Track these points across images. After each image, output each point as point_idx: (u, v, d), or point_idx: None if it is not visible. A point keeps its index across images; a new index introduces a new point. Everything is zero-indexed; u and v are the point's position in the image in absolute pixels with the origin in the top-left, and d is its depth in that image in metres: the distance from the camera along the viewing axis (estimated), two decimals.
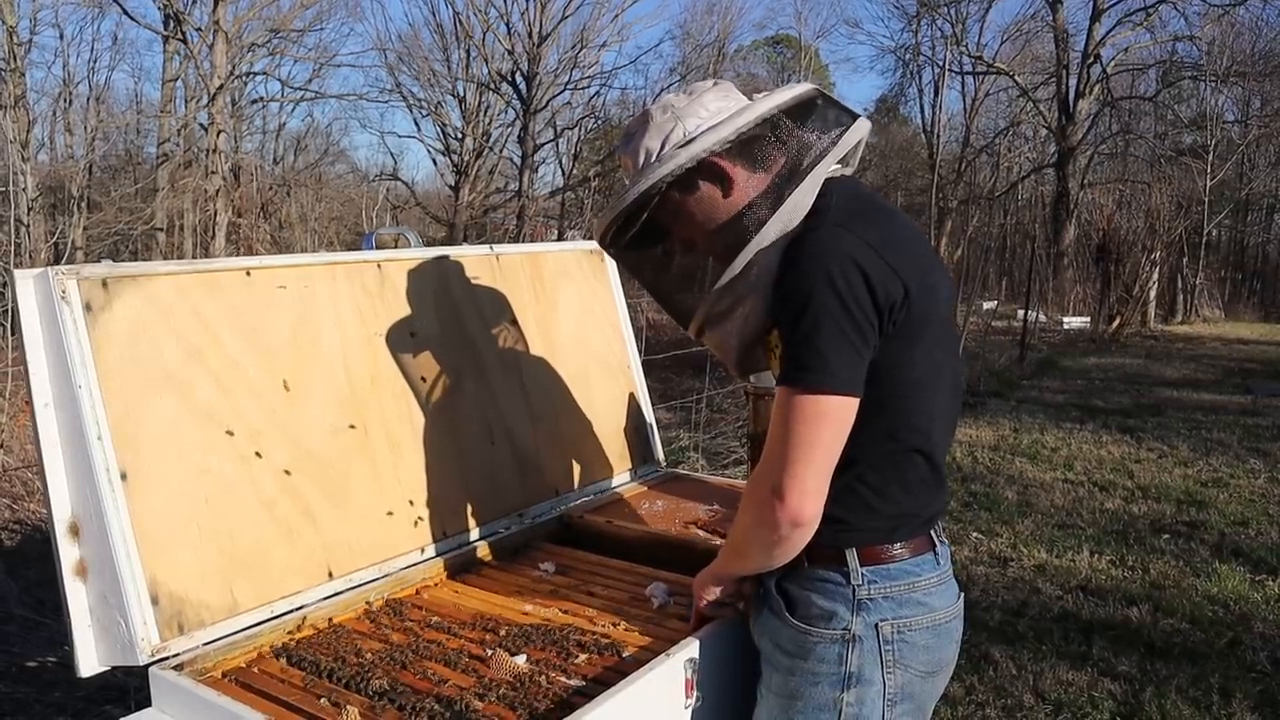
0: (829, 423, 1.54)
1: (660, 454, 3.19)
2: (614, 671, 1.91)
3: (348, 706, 1.74)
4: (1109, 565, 5.31)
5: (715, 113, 1.66)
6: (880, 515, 1.69)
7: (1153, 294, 17.78)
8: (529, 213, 25.30)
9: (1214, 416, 9.52)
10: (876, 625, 1.67)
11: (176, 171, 21.60)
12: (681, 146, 1.64)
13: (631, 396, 3.13)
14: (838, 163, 1.71)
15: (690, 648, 1.91)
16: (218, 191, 19.31)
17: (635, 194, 1.67)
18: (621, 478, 3.02)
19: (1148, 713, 3.75)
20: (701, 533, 2.61)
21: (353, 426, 2.30)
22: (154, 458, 1.92)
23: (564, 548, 2.62)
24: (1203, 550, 5.57)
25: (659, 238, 1.79)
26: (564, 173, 28.66)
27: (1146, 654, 4.25)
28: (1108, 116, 26.59)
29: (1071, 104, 25.39)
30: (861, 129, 1.71)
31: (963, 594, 1.82)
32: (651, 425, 3.17)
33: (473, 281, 2.67)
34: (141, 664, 1.83)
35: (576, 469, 2.88)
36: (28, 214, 15.29)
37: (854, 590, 1.68)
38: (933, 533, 1.75)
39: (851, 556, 1.69)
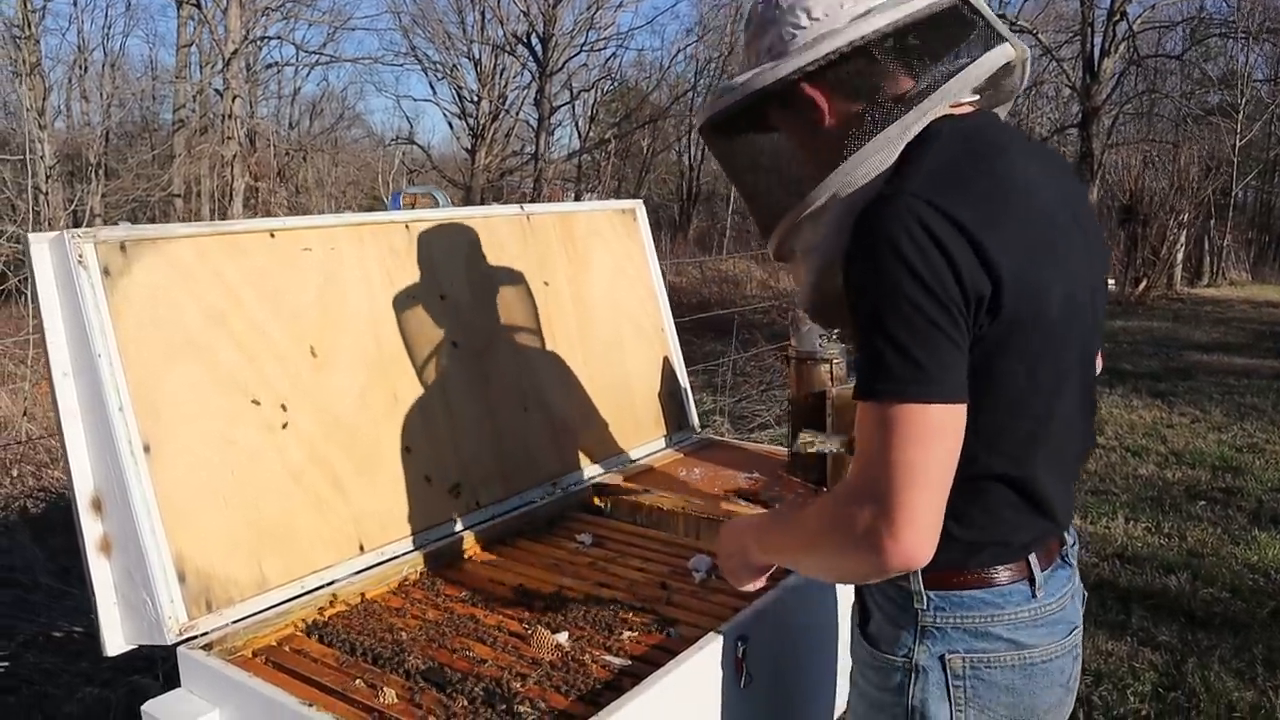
0: (940, 439, 1.25)
1: (695, 419, 3.10)
2: (661, 650, 1.83)
3: (385, 688, 1.66)
4: (1145, 532, 5.20)
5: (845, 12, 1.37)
6: (954, 538, 1.38)
7: (1179, 256, 17.50)
8: (546, 176, 25.12)
9: (1246, 381, 9.35)
10: (943, 658, 1.43)
11: (193, 138, 21.51)
12: (784, 56, 1.39)
13: (666, 360, 3.03)
14: (977, 92, 1.41)
15: (741, 625, 1.83)
16: (234, 157, 19.23)
17: (729, 100, 1.46)
18: (657, 444, 2.93)
19: (1190, 684, 3.66)
20: (743, 503, 2.52)
21: (383, 394, 2.21)
22: (177, 428, 1.84)
23: (600, 518, 2.54)
24: (1240, 517, 5.45)
25: (755, 141, 1.59)
26: (580, 135, 28.42)
27: (1187, 623, 4.15)
28: (1133, 75, 26.13)
29: (1096, 62, 24.94)
30: (996, 59, 1.39)
31: (1079, 629, 1.54)
32: (686, 390, 3.08)
33: (503, 242, 2.57)
34: (169, 644, 1.76)
35: (611, 436, 2.79)
36: (46, 181, 15.26)
37: (918, 615, 1.45)
38: (1032, 562, 1.46)
39: (915, 579, 1.44)
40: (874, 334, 1.26)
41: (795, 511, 1.54)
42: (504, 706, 1.62)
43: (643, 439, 2.89)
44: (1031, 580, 1.45)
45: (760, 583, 1.71)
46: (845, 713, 1.69)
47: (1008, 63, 1.40)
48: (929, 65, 1.37)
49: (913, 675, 1.45)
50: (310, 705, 1.57)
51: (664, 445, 2.95)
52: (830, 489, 2.54)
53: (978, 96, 1.42)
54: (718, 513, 2.44)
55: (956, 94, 1.37)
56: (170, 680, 3.52)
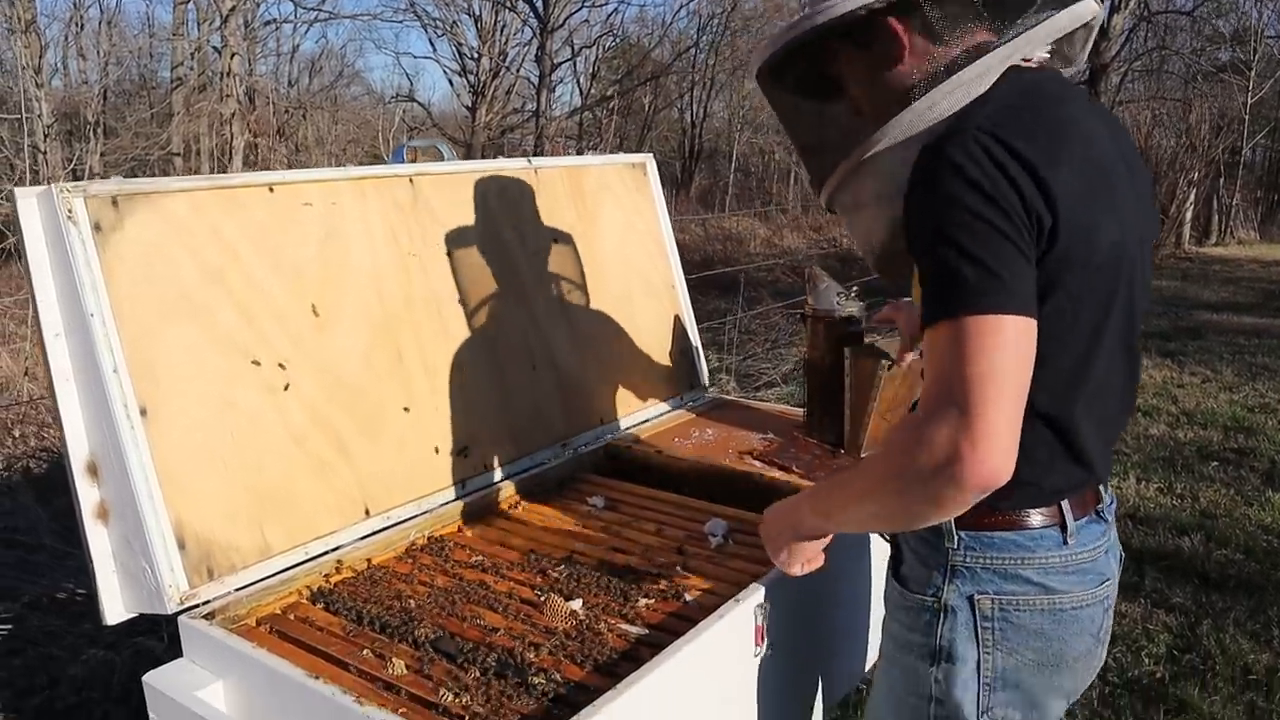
0: (1017, 351, 1.20)
1: (706, 378, 3.03)
2: (678, 618, 1.77)
3: (393, 659, 1.60)
4: (1157, 493, 5.14)
5: None
6: None
7: (1188, 215, 17.33)
8: (547, 133, 24.87)
9: (1257, 340, 9.26)
10: (972, 598, 1.43)
11: (191, 96, 21.25)
12: None
13: (676, 318, 2.95)
14: (1048, 52, 1.41)
15: (759, 593, 1.76)
16: (233, 115, 19.00)
17: (788, 37, 1.43)
18: (668, 404, 2.86)
19: (1205, 646, 3.61)
20: (758, 464, 2.46)
21: (387, 353, 2.13)
22: (175, 391, 1.77)
23: (612, 480, 2.47)
24: (1253, 478, 5.39)
25: (812, 84, 1.53)
26: (582, 92, 28.10)
27: (1201, 585, 4.10)
28: (1143, 31, 25.77)
29: (1105, 19, 24.63)
30: (1081, 13, 1.38)
31: (1112, 581, 1.51)
32: (697, 348, 3.01)
33: (511, 196, 2.49)
34: (170, 613, 1.70)
35: (621, 395, 2.72)
36: (44, 140, 15.08)
37: (948, 554, 1.45)
38: (1065, 509, 1.43)
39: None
40: (942, 252, 1.23)
41: (850, 469, 1.47)
42: (518, 678, 1.57)
43: (653, 398, 2.82)
44: (1063, 527, 1.44)
45: (817, 563, 1.63)
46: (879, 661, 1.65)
47: (1082, 25, 1.40)
48: (1014, 12, 1.37)
49: (941, 615, 1.45)
50: (316, 677, 1.51)
51: (675, 405, 2.88)
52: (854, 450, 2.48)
53: (1047, 55, 1.42)
54: (733, 474, 2.38)
55: (1041, 42, 1.36)
56: (175, 643, 3.50)
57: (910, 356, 2.12)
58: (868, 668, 2.34)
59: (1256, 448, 5.91)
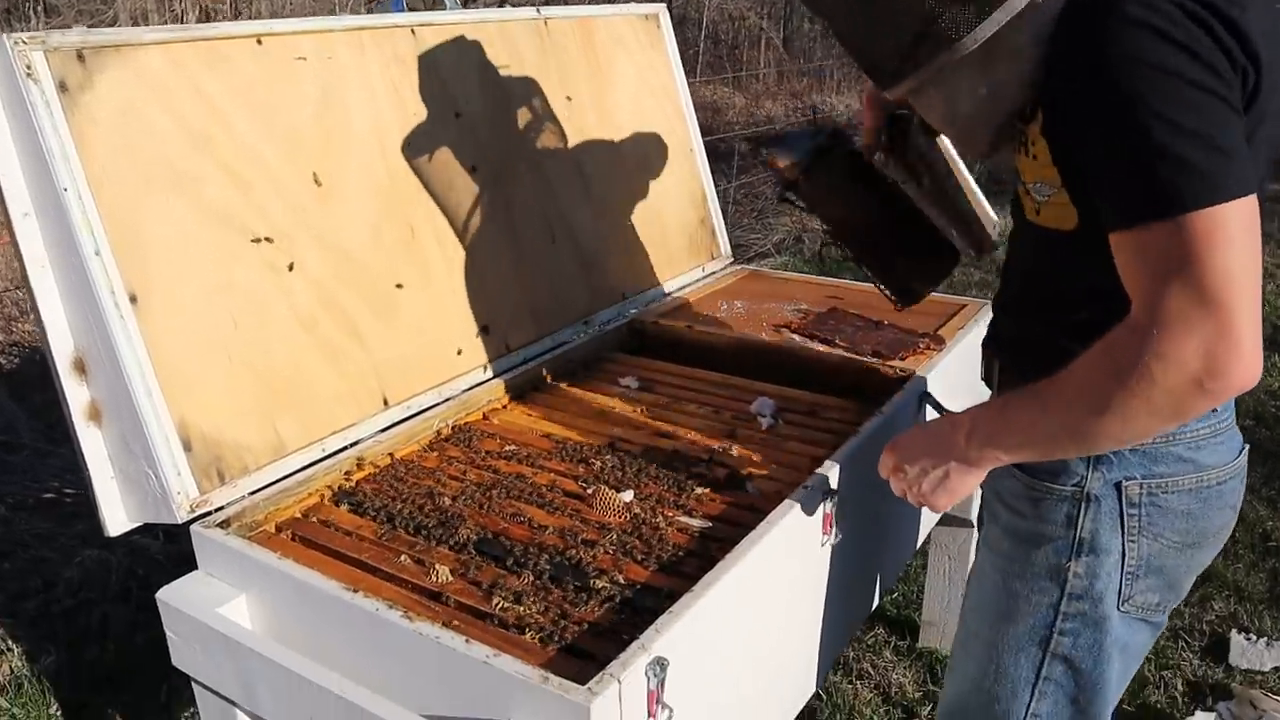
0: (1253, 240, 1.02)
1: (727, 247, 2.83)
2: (741, 508, 1.62)
3: (436, 565, 1.44)
4: None
5: None
6: None
7: None
8: None
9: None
10: (1119, 485, 1.29)
11: None
12: None
13: (696, 183, 2.74)
14: None
15: (826, 478, 1.61)
16: None
17: None
18: (692, 275, 2.67)
19: None
20: (797, 337, 2.28)
21: (397, 226, 1.92)
22: (167, 273, 1.56)
23: (641, 358, 2.29)
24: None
25: None
26: None
27: None
28: None
29: None
30: None
31: (1246, 448, 1.38)
32: (717, 216, 2.80)
33: (521, 51, 2.24)
34: (180, 522, 1.52)
35: (643, 268, 2.52)
36: None
37: None
38: None
39: None
40: (1156, 134, 1.00)
41: (1040, 386, 1.18)
42: (577, 582, 1.41)
43: (675, 270, 2.62)
44: None
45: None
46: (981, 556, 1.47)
47: None
48: None
49: (1083, 505, 1.31)
50: (355, 590, 1.35)
51: (700, 276, 2.69)
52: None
53: None
54: (775, 350, 2.20)
55: None
56: (172, 538, 3.35)
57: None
58: (912, 554, 2.23)
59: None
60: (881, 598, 2.05)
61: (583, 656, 1.27)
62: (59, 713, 2.72)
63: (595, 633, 1.32)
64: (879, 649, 2.88)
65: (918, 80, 1.20)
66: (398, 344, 1.89)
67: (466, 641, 1.23)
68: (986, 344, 1.50)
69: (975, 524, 2.66)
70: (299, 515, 1.62)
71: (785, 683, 1.66)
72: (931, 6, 1.13)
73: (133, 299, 1.49)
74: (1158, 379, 1.03)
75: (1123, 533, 1.30)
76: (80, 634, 3.01)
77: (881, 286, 1.89)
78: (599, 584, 1.40)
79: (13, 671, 2.88)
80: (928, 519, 2.22)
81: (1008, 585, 1.39)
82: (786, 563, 1.53)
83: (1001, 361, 1.45)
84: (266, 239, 1.70)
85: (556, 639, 1.30)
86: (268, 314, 1.68)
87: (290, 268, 1.72)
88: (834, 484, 1.61)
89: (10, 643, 2.98)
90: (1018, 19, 1.10)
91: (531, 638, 1.30)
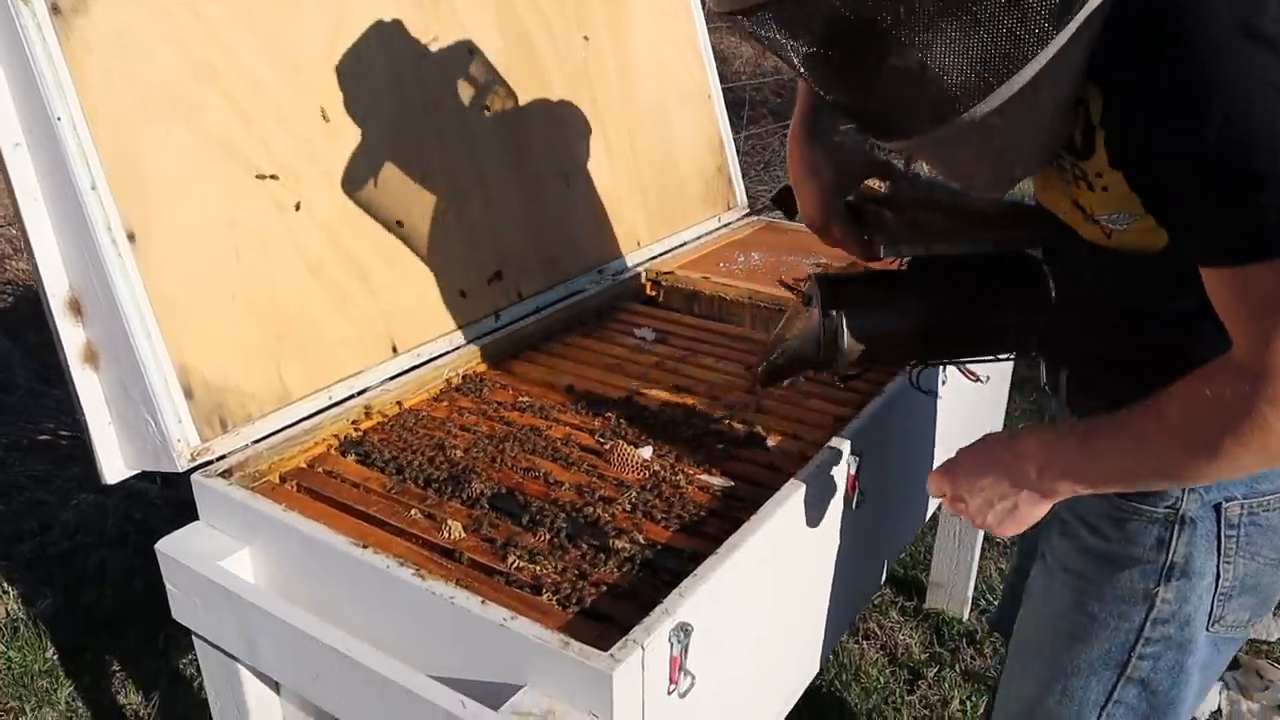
0: None
1: (744, 197, 2.75)
2: (762, 466, 1.55)
3: (449, 521, 1.38)
4: None
5: None
6: None
7: None
8: None
9: None
10: (1219, 506, 1.17)
11: None
12: None
13: (714, 130, 2.65)
14: None
15: (854, 438, 1.55)
16: None
17: None
18: (707, 225, 2.59)
19: None
20: None
21: (408, 166, 1.84)
22: (167, 210, 1.48)
23: (656, 309, 2.23)
24: None
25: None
26: None
27: None
28: None
29: None
30: None
31: None
32: (734, 164, 2.71)
33: None
34: (180, 471, 1.46)
35: (658, 216, 2.44)
36: None
37: None
38: None
39: None
40: (1243, 152, 0.87)
41: (1128, 419, 1.06)
42: (595, 541, 1.35)
43: (691, 220, 2.54)
44: None
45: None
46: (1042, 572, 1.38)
47: None
48: None
49: (1176, 528, 1.19)
50: (364, 546, 1.29)
51: (716, 227, 2.61)
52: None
53: None
54: (790, 303, 2.13)
55: None
56: (170, 483, 3.30)
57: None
58: (928, 516, 2.17)
59: None
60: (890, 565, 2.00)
61: (602, 620, 1.22)
62: (55, 656, 2.69)
63: (614, 595, 1.26)
64: (885, 609, 2.85)
65: (973, 117, 0.94)
66: (407, 290, 1.82)
67: (482, 603, 1.17)
68: (1044, 351, 1.38)
69: None
70: (304, 465, 1.56)
71: (799, 652, 1.62)
72: (1005, 18, 0.89)
73: (131, 236, 1.42)
74: (1275, 426, 0.93)
75: (1219, 554, 1.19)
76: (77, 578, 2.96)
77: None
78: (618, 544, 1.34)
79: (9, 614, 2.84)
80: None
81: (1083, 606, 1.28)
82: (811, 524, 1.47)
83: (1068, 371, 1.32)
84: (272, 176, 1.62)
85: (574, 601, 1.24)
86: (273, 255, 1.61)
87: (297, 207, 1.64)
88: (860, 445, 1.55)
89: (6, 585, 2.94)
90: (1077, 33, 0.91)
91: (548, 599, 1.25)
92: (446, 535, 1.36)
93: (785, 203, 1.53)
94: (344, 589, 1.31)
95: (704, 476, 1.52)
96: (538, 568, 1.30)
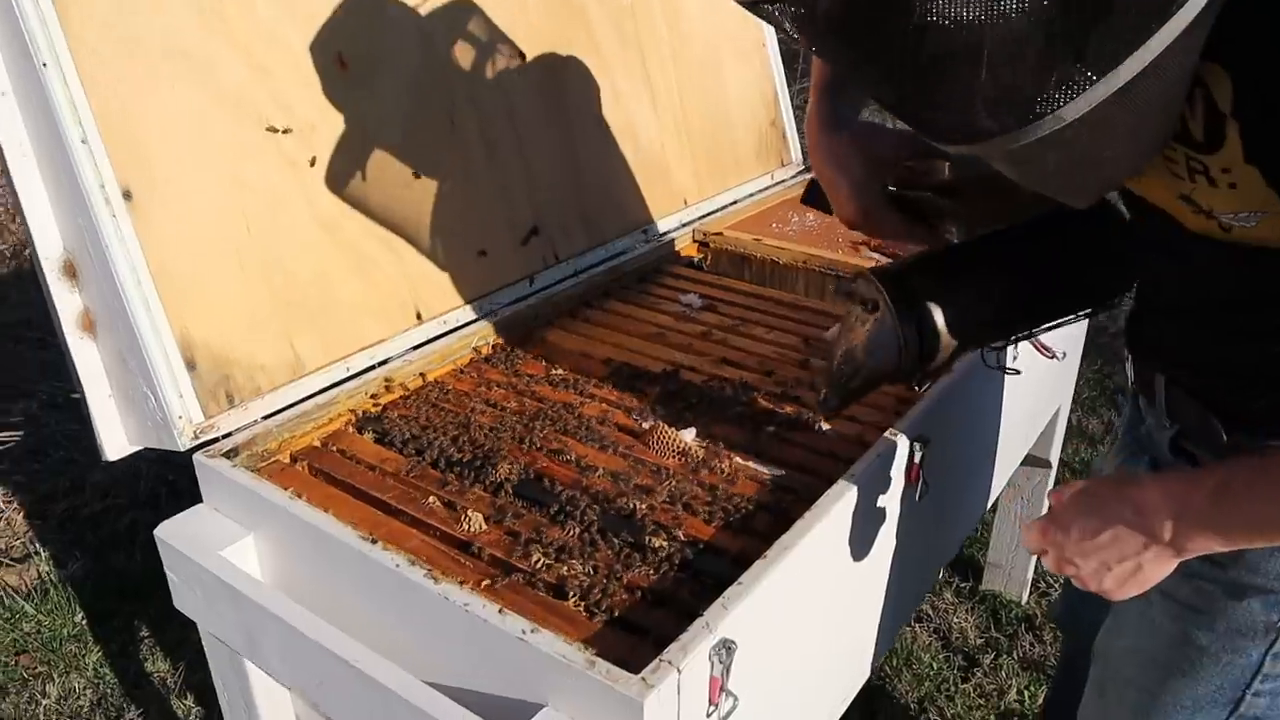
0: None
1: (799, 153, 2.58)
2: (819, 454, 1.41)
3: (469, 511, 1.26)
4: None
5: None
6: None
7: None
8: None
9: None
10: None
11: None
12: None
13: (768, 83, 2.47)
14: None
15: (919, 423, 1.40)
16: None
17: None
18: (759, 183, 2.42)
19: None
20: (876, 255, 2.05)
21: (435, 117, 1.70)
22: (167, 167, 1.35)
23: (703, 273, 2.08)
24: None
25: None
26: None
27: None
28: None
29: None
30: None
31: None
32: (789, 116, 2.54)
33: None
34: (182, 450, 1.35)
35: (708, 173, 2.28)
36: None
37: None
38: None
39: None
40: None
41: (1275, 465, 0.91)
42: (629, 538, 1.22)
43: (743, 176, 2.38)
44: None
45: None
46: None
47: None
48: None
49: None
50: (374, 540, 1.17)
51: (768, 184, 2.44)
52: None
53: None
54: (848, 268, 1.97)
55: None
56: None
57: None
58: (988, 505, 2.02)
59: None
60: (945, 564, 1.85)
61: (634, 631, 1.09)
62: (84, 621, 2.63)
63: (650, 601, 1.13)
64: (939, 590, 2.70)
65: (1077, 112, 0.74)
66: (434, 252, 1.69)
67: (500, 611, 1.05)
68: (1138, 351, 1.21)
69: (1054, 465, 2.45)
70: (317, 444, 1.44)
71: (851, 659, 1.49)
72: None
73: (126, 195, 1.30)
74: None
75: None
76: (107, 540, 2.90)
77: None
78: (655, 542, 1.20)
79: (40, 576, 2.79)
80: (1004, 470, 2.00)
81: (1190, 638, 1.12)
82: (867, 524, 1.33)
83: (1170, 377, 1.15)
84: (285, 130, 1.48)
85: (604, 608, 1.11)
86: (285, 215, 1.48)
87: (312, 163, 1.51)
88: (925, 430, 1.40)
89: (38, 545, 2.89)
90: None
91: (575, 604, 1.12)
92: (466, 527, 1.24)
93: (817, 200, 1.36)
94: (352, 586, 1.19)
95: (753, 464, 1.38)
96: (564, 567, 1.17)
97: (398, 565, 1.12)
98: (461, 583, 1.11)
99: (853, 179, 1.23)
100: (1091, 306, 1.29)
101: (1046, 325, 1.34)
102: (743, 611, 1.05)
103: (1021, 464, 2.30)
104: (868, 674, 1.55)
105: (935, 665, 2.44)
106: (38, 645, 2.56)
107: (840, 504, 1.22)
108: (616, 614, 1.11)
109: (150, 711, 2.38)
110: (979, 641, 2.52)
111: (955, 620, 2.58)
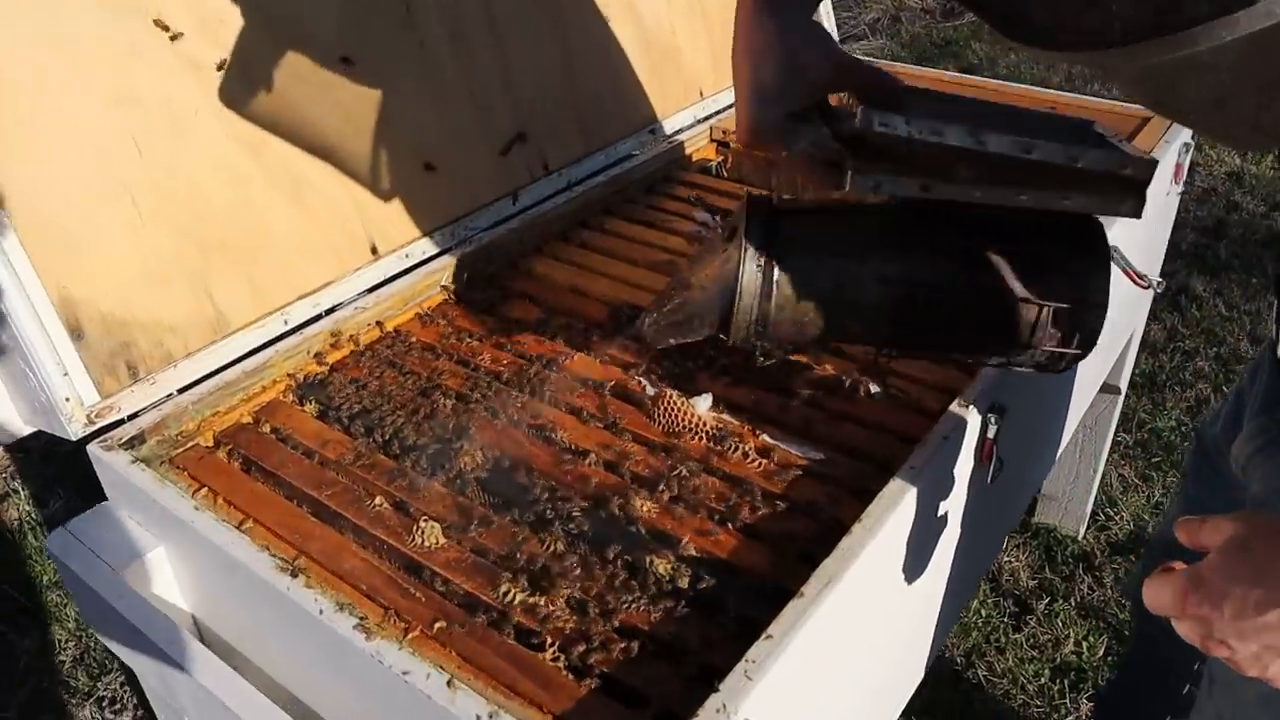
0: None
1: (833, 35, 2.22)
2: (868, 427, 1.12)
3: (423, 520, 0.99)
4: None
5: None
6: None
7: None
8: None
9: None
10: None
11: None
12: None
13: None
14: None
15: (985, 388, 1.11)
16: None
17: None
18: None
19: None
20: None
21: (384, 7, 1.37)
22: (25, 82, 1.05)
23: (723, 181, 1.76)
24: None
25: None
26: None
27: None
28: None
29: None
30: None
31: None
32: None
33: None
34: (74, 439, 1.09)
35: (726, 59, 1.93)
36: None
37: None
38: None
39: None
40: None
41: None
42: (627, 555, 0.95)
43: None
44: None
45: None
46: None
47: None
48: None
49: None
50: (294, 575, 0.90)
51: None
52: None
53: None
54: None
55: None
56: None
57: None
58: (1048, 477, 1.74)
59: None
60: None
61: (628, 700, 0.82)
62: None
63: (650, 651, 0.87)
64: None
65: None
66: (389, 169, 1.39)
67: (449, 684, 0.79)
68: None
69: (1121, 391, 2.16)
70: (248, 420, 1.17)
71: (903, 670, 1.23)
72: None
73: None
74: None
75: None
76: (89, 477, 2.69)
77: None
78: (658, 565, 0.93)
79: (19, 517, 2.60)
80: (1077, 413, 1.72)
81: None
82: (930, 522, 1.06)
83: None
84: (185, 25, 1.17)
85: (590, 664, 0.85)
86: (190, 134, 1.18)
87: (220, 66, 1.20)
88: (1000, 399, 1.11)
89: (20, 485, 2.70)
90: None
91: (553, 657, 0.86)
92: (419, 541, 0.97)
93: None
94: (274, 626, 0.94)
95: (783, 445, 1.10)
96: (541, 599, 0.90)
97: (321, 611, 0.86)
98: (406, 629, 0.86)
99: (760, 85, 0.93)
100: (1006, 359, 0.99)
101: (931, 351, 1.06)
102: (772, 679, 0.79)
103: None
104: (921, 675, 1.30)
105: (983, 612, 2.20)
106: (20, 591, 2.37)
107: (898, 511, 0.95)
108: (605, 670, 0.84)
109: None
110: (1031, 584, 2.27)
111: (1005, 559, 2.33)
